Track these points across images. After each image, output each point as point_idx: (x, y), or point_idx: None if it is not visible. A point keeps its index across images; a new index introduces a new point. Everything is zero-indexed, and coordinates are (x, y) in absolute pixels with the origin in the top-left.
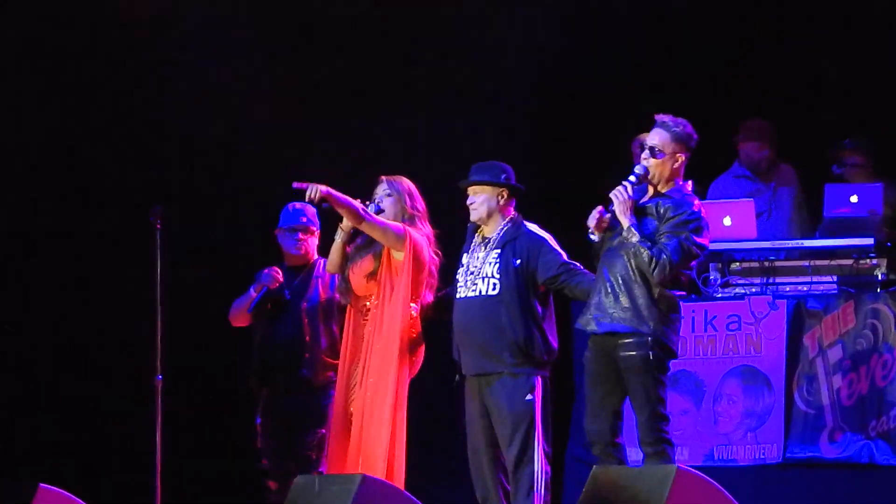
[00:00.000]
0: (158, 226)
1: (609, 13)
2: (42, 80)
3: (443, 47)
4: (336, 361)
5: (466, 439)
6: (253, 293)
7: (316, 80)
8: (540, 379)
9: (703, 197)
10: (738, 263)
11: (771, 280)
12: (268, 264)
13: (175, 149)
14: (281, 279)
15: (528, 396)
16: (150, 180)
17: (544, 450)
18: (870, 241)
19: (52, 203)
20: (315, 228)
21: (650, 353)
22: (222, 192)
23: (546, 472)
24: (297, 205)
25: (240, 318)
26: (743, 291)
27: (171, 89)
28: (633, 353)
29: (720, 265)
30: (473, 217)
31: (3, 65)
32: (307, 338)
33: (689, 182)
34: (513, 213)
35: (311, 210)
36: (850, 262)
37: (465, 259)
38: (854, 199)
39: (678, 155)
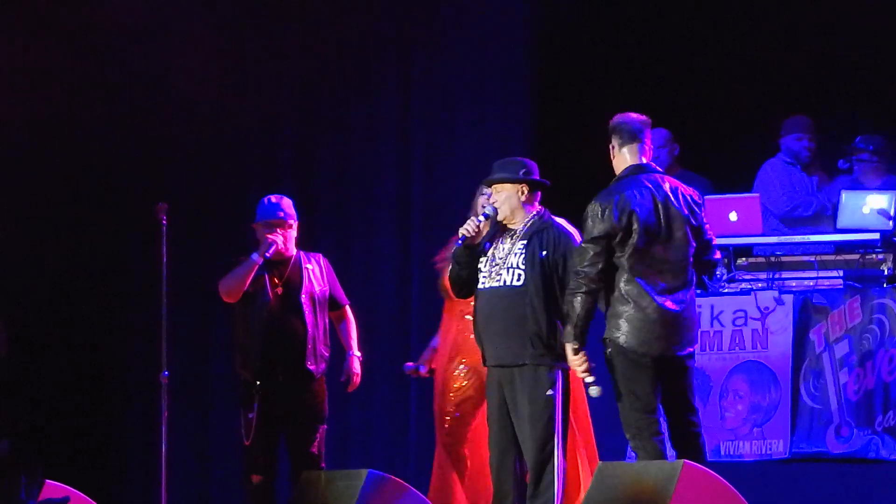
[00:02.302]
0: (164, 221)
1: (611, 6)
2: (44, 80)
3: (441, 44)
4: (328, 353)
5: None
6: (257, 257)
7: (316, 78)
8: (561, 372)
9: (750, 181)
10: (744, 258)
11: (777, 275)
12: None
13: (182, 146)
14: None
15: (549, 392)
16: (157, 177)
17: (563, 445)
18: (876, 235)
19: (57, 201)
20: (293, 222)
21: (606, 355)
22: (229, 189)
23: (563, 469)
24: (273, 198)
25: (237, 288)
26: (749, 286)
27: (174, 88)
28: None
29: (726, 260)
30: (500, 216)
31: (5, 64)
32: (309, 329)
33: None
34: (538, 206)
35: (287, 202)
36: (856, 256)
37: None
38: (866, 210)
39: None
